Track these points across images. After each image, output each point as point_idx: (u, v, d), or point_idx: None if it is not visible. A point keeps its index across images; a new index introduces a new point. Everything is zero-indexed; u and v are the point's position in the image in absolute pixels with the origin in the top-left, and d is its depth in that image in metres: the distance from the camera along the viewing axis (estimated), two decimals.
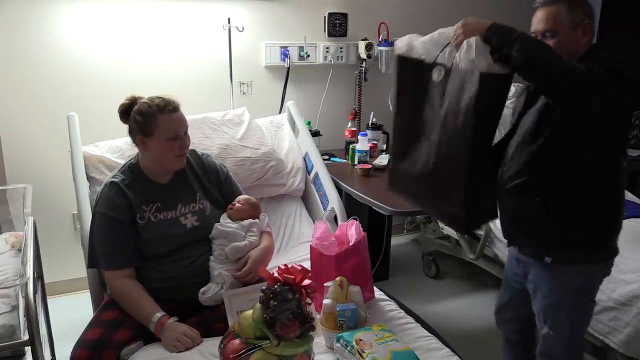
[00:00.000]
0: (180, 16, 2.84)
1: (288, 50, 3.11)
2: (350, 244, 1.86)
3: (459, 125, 1.44)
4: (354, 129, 3.15)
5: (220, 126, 2.42)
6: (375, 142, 3.00)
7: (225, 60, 2.94)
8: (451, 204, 1.56)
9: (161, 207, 1.79)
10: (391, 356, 1.40)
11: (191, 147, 1.88)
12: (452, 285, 3.13)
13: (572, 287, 1.58)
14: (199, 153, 1.97)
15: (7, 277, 1.58)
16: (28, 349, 1.41)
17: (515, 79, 1.42)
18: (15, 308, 1.46)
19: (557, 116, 1.45)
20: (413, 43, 1.59)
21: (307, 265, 1.77)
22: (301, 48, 3.15)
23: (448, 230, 3.00)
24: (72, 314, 2.36)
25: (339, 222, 2.22)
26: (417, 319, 1.81)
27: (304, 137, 2.62)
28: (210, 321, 1.71)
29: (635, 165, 3.15)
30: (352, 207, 2.44)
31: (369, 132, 3.01)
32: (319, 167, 2.48)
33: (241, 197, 1.96)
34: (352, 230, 1.90)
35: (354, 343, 1.45)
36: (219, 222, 1.88)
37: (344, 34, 3.25)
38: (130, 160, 1.85)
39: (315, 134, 3.06)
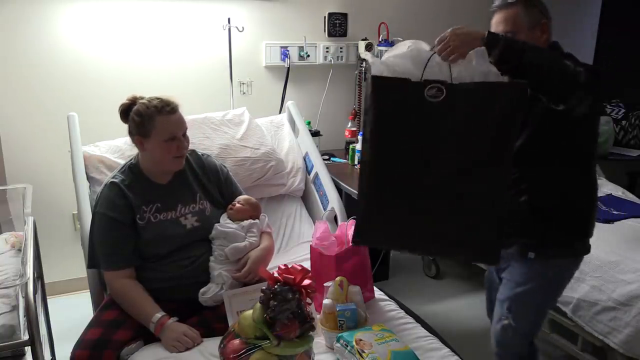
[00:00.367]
0: (180, 16, 2.84)
1: (288, 50, 3.11)
2: (350, 244, 1.86)
3: (486, 143, 1.31)
4: (354, 129, 3.15)
5: (220, 126, 2.42)
6: None
7: (225, 60, 2.94)
8: (480, 234, 1.38)
9: (161, 208, 1.79)
10: (391, 356, 1.40)
11: (191, 147, 1.88)
12: (452, 285, 3.13)
13: (547, 278, 1.63)
14: (199, 153, 1.96)
15: (7, 277, 1.58)
16: (28, 349, 1.41)
17: None
18: (15, 308, 1.46)
19: (539, 116, 1.47)
20: (388, 61, 1.39)
21: (307, 265, 1.77)
22: (301, 48, 3.15)
23: None
24: (72, 314, 2.36)
25: (339, 222, 2.22)
26: (417, 319, 1.80)
27: (304, 137, 2.62)
28: (210, 321, 1.71)
29: (635, 165, 3.16)
30: (352, 207, 2.43)
31: None
32: (319, 167, 2.48)
33: (241, 198, 1.96)
34: (352, 230, 1.90)
35: (354, 343, 1.45)
36: (219, 222, 1.88)
37: (344, 34, 3.25)
38: (130, 160, 1.85)
39: (315, 134, 3.06)
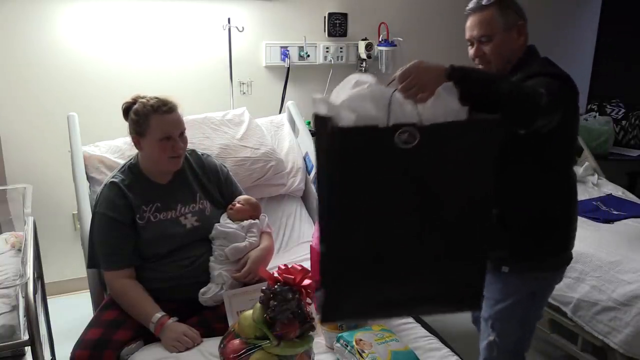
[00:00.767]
0: (180, 16, 2.85)
1: (288, 50, 3.11)
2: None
3: (476, 185, 1.14)
4: None
5: (220, 126, 2.42)
6: None
7: (225, 60, 2.94)
8: (467, 282, 1.21)
9: (161, 207, 1.79)
10: (391, 356, 1.40)
11: (191, 147, 1.87)
12: None
13: (528, 292, 1.56)
14: (199, 153, 1.96)
15: (7, 277, 1.59)
16: (28, 349, 1.41)
17: None
18: (15, 308, 1.46)
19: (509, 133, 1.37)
20: (350, 105, 1.15)
21: (307, 265, 1.76)
22: (301, 48, 3.15)
23: None
24: (72, 314, 2.36)
25: None
26: (417, 319, 1.80)
27: (304, 137, 2.62)
28: (210, 321, 1.71)
29: (635, 165, 3.16)
30: None
31: None
32: None
33: (241, 198, 1.96)
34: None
35: (354, 343, 1.45)
36: (219, 222, 1.88)
37: (344, 34, 3.25)
38: (130, 160, 1.85)
39: (315, 134, 3.06)
